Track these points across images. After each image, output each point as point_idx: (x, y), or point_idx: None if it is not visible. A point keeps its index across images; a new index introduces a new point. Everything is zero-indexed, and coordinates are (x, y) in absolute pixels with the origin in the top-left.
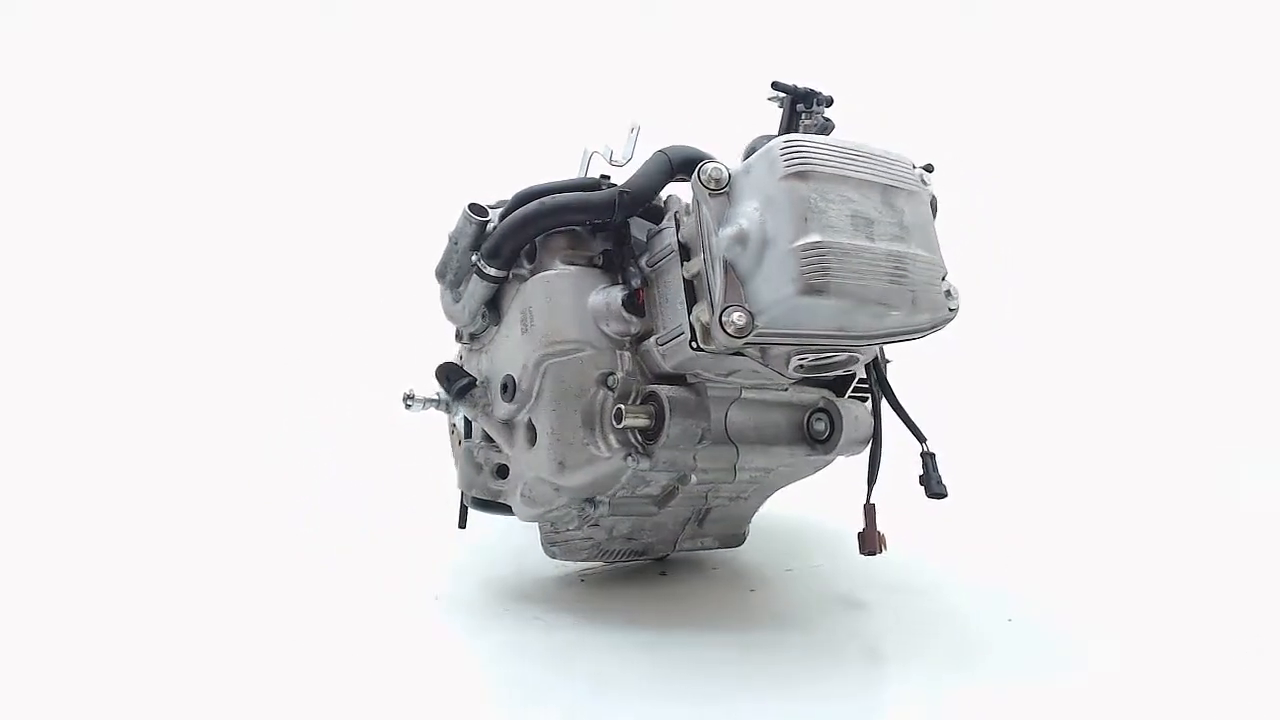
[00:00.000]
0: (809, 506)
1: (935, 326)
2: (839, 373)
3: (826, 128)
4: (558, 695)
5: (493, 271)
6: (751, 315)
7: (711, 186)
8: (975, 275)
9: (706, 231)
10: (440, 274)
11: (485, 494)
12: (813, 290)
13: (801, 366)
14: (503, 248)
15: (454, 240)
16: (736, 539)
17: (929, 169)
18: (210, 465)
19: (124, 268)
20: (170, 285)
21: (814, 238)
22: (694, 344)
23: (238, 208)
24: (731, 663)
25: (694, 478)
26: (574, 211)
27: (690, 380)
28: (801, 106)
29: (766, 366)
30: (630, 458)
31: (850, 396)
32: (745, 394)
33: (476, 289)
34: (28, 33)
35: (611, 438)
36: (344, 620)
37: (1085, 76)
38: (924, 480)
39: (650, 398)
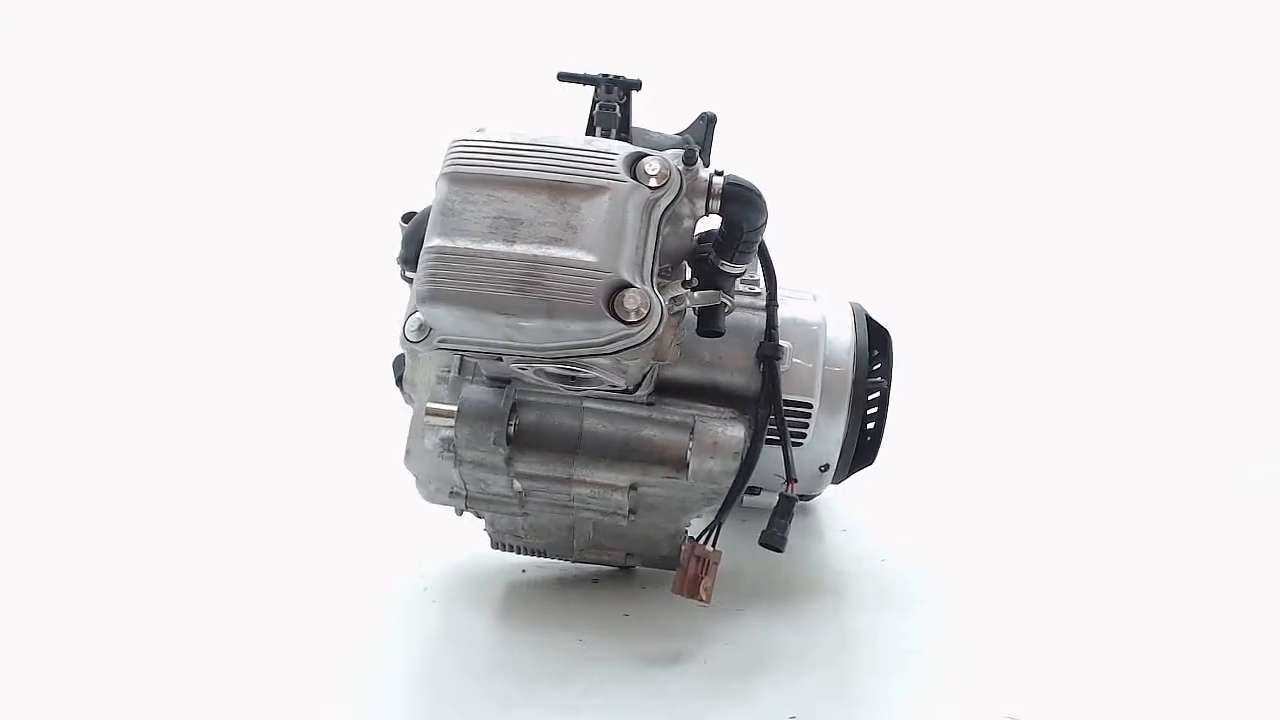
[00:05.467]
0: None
1: (612, 341)
2: (606, 388)
3: (604, 119)
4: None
5: (409, 274)
6: (423, 322)
7: None
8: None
9: None
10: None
11: None
12: (422, 298)
13: (547, 374)
14: (407, 253)
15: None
16: (666, 561)
17: (689, 159)
18: (201, 455)
19: (93, 257)
20: (155, 272)
21: (434, 242)
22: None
23: (229, 200)
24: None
25: (516, 483)
26: None
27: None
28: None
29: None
30: (443, 454)
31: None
32: (590, 404)
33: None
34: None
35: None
36: (270, 597)
37: (1085, 76)
38: (769, 524)
39: None
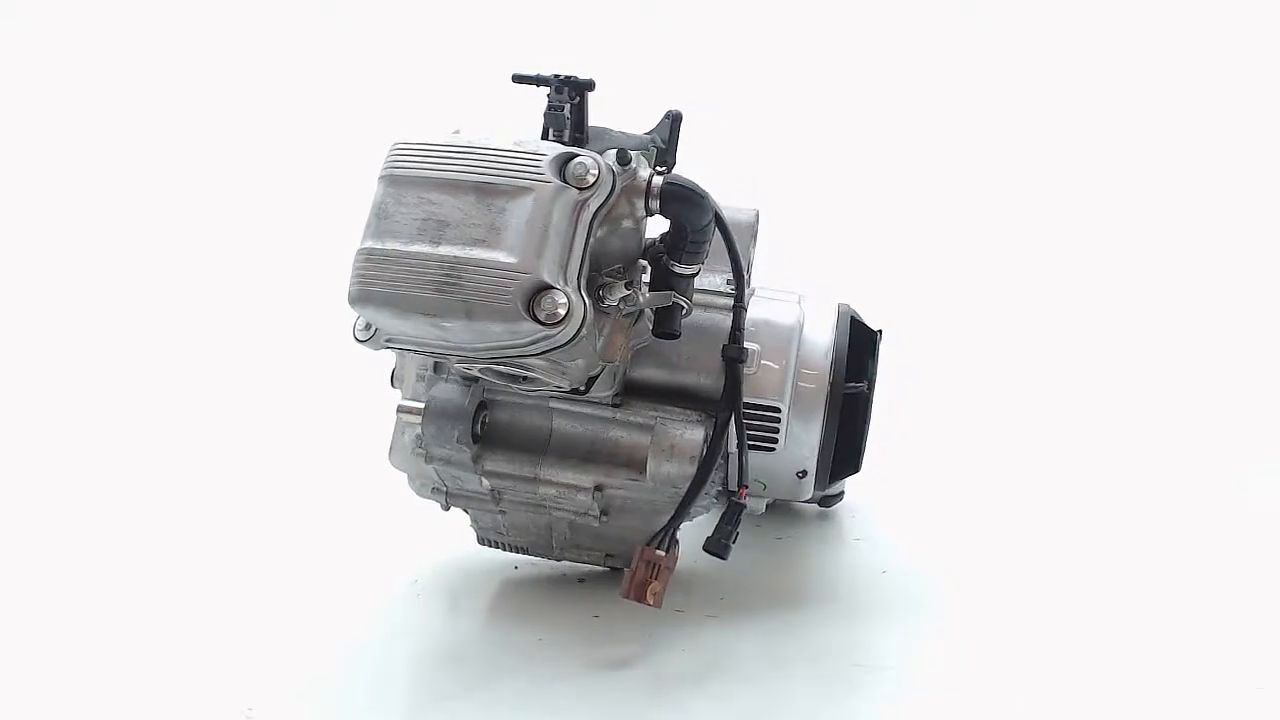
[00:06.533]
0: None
1: (535, 342)
2: (553, 389)
3: (553, 120)
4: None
5: None
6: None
7: None
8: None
9: None
10: None
11: None
12: (351, 299)
13: (495, 373)
14: None
15: None
16: None
17: (622, 159)
18: (200, 449)
19: (91, 256)
20: (151, 271)
21: (364, 245)
22: None
23: (225, 200)
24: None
25: (485, 481)
26: None
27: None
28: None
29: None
30: (415, 451)
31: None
32: (558, 405)
33: None
34: None
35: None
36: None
37: (1079, 72)
38: (715, 529)
39: None
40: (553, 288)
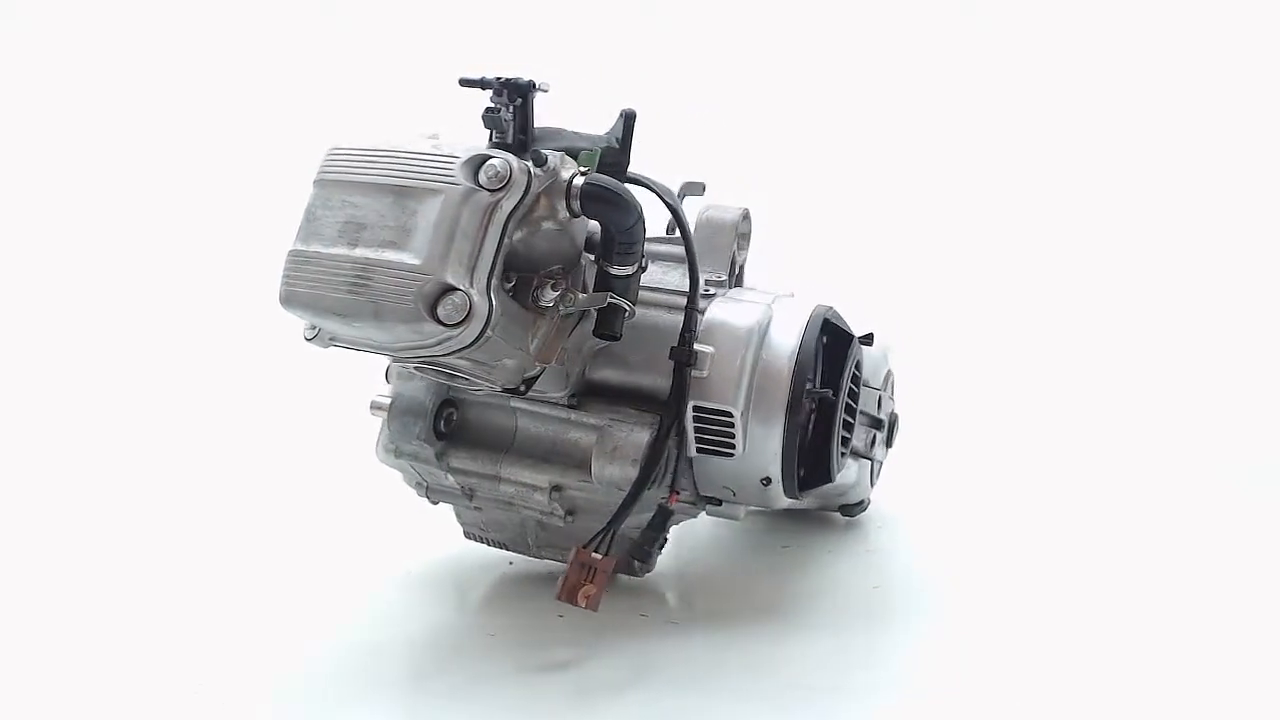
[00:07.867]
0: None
1: (440, 343)
2: (480, 388)
3: (490, 122)
4: None
5: None
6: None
7: None
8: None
9: None
10: None
11: None
12: (280, 300)
13: (434, 371)
14: None
15: None
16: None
17: (538, 160)
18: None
19: (90, 255)
20: (150, 269)
21: (293, 246)
22: None
23: (222, 197)
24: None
25: (450, 477)
26: None
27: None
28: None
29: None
30: (387, 446)
31: None
32: (519, 404)
33: None
34: None
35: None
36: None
37: (1076, 71)
38: (640, 534)
39: None
40: (455, 289)
